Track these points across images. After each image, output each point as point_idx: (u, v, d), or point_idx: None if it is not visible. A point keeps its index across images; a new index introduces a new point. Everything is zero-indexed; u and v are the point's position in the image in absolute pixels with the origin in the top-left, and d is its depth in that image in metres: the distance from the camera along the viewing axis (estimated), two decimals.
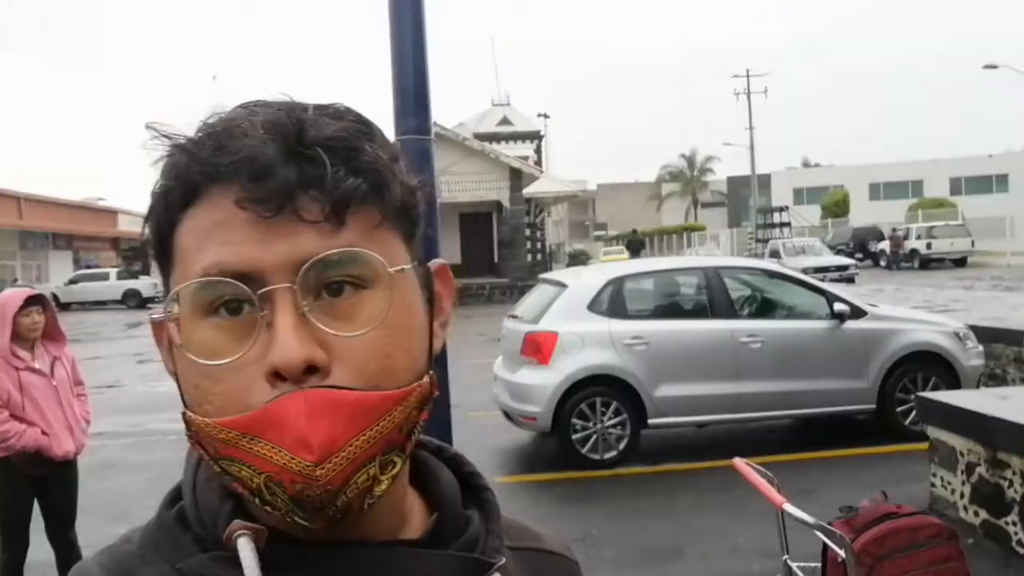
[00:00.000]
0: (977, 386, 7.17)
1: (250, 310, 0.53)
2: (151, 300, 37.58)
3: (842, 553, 2.34)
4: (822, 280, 24.40)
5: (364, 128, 0.57)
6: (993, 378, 8.63)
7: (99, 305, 35.43)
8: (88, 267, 41.70)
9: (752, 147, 47.14)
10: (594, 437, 6.67)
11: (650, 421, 6.77)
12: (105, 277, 37.58)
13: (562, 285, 7.20)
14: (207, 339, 0.53)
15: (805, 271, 25.51)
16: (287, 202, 0.52)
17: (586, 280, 7.29)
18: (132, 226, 52.31)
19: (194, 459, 0.62)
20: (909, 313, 8.05)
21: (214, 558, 0.56)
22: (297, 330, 0.51)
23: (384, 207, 0.56)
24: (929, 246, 29.02)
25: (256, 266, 0.52)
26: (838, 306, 7.04)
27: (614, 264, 9.84)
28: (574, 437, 6.64)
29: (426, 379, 0.57)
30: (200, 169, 0.54)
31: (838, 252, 30.03)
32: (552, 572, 0.70)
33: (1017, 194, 41.69)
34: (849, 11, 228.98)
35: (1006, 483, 4.60)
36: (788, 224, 41.02)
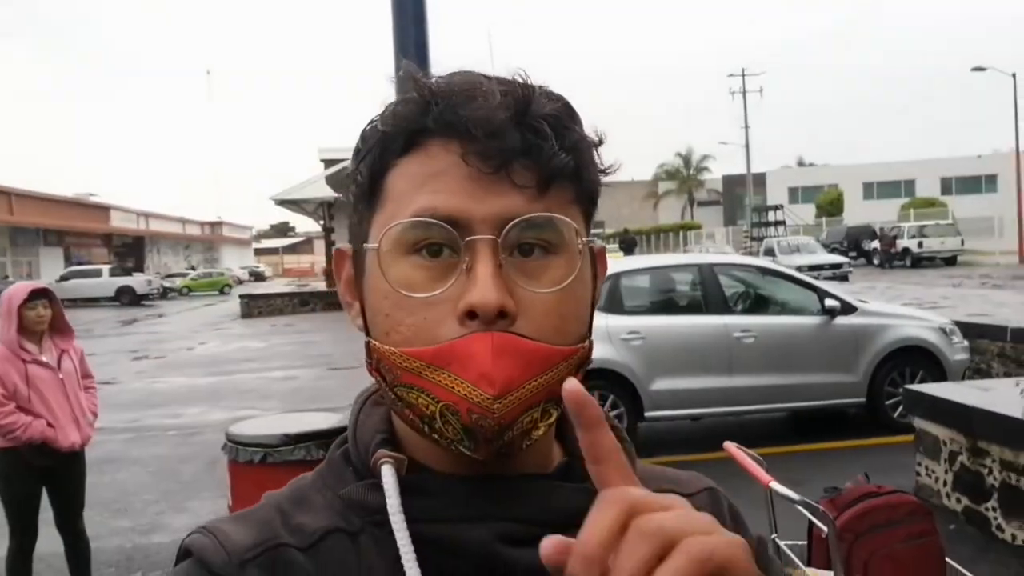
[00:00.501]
0: (962, 379, 7.37)
1: (450, 255, 0.59)
2: (145, 297, 37.47)
3: (825, 529, 2.52)
4: (816, 278, 24.46)
5: (573, 111, 0.63)
6: (978, 372, 8.85)
7: (91, 302, 35.03)
8: (79, 264, 41.41)
9: (747, 146, 47.32)
10: None
11: (646, 414, 6.95)
12: (98, 274, 37.24)
13: None
14: (407, 274, 0.59)
15: (800, 269, 25.60)
16: (506, 164, 0.58)
17: None
18: (124, 222, 51.91)
19: (359, 403, 0.70)
20: (898, 309, 8.24)
21: (367, 485, 0.63)
22: (495, 278, 0.57)
23: (579, 186, 0.62)
24: (920, 245, 29.24)
25: (466, 215, 0.58)
26: (829, 302, 7.23)
27: (611, 261, 10.02)
28: None
29: (587, 343, 0.63)
30: (436, 117, 0.59)
31: (832, 250, 30.25)
32: None
33: (1005, 194, 41.96)
34: (841, 13, 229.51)
35: (986, 471, 4.80)
36: (783, 223, 41.23)
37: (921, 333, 7.40)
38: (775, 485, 2.29)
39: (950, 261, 29.36)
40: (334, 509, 0.64)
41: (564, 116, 0.61)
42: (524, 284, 0.58)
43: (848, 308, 7.28)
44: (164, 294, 41.20)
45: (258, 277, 65.70)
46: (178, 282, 47.07)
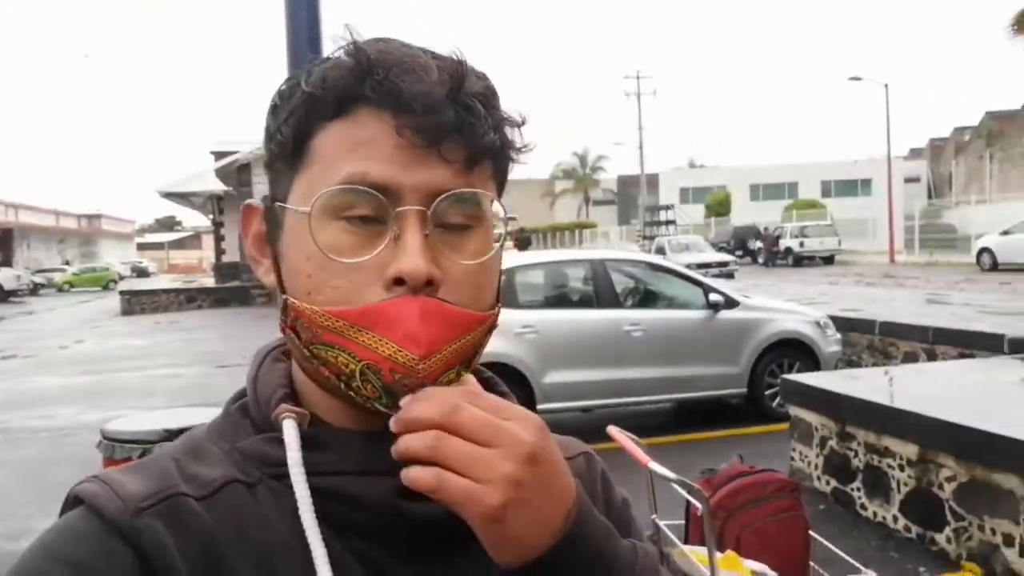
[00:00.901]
0: (835, 370, 7.80)
1: (378, 222, 0.60)
2: (13, 293, 35.07)
3: (700, 507, 2.63)
4: (704, 275, 25.12)
5: (495, 90, 0.65)
6: (850, 364, 9.40)
7: None
8: None
9: (641, 147, 48.57)
10: None
11: (538, 406, 7.03)
12: None
13: None
14: (335, 238, 0.60)
15: (688, 267, 26.38)
16: (439, 139, 0.60)
17: None
18: None
19: (258, 358, 0.72)
20: (777, 304, 8.63)
21: (267, 439, 0.64)
22: (423, 248, 0.59)
23: (499, 164, 0.66)
24: (801, 244, 30.78)
25: (396, 185, 0.60)
26: (713, 296, 7.51)
27: (506, 255, 10.12)
28: None
29: (497, 309, 0.67)
30: (375, 86, 0.60)
31: (720, 249, 31.43)
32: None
33: (879, 197, 44.73)
34: (732, 24, 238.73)
35: (852, 454, 5.11)
36: (673, 222, 42.52)
37: (798, 326, 7.79)
38: (653, 465, 2.37)
39: (828, 260, 31.00)
40: (231, 461, 0.64)
41: (490, 95, 0.64)
42: (448, 255, 0.61)
43: (731, 303, 7.59)
44: (35, 290, 38.78)
45: (141, 273, 62.81)
46: (57, 277, 44.45)
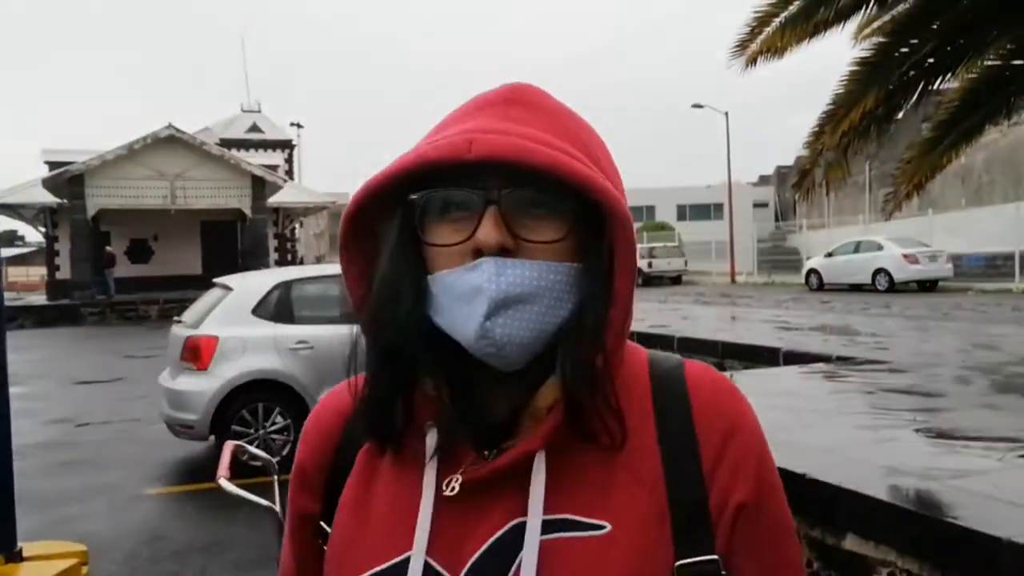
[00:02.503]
0: None
1: None
2: None
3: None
4: None
5: None
6: None
7: None
8: None
9: None
10: (256, 443, 6.55)
11: None
12: None
13: (228, 289, 7.04)
14: None
15: None
16: None
17: (252, 284, 7.18)
18: None
19: None
20: None
21: None
22: None
23: None
24: (650, 265, 31.95)
25: None
26: None
27: (283, 269, 9.79)
28: None
29: None
30: None
31: None
32: None
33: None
34: (584, 49, 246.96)
35: None
36: None
37: None
38: (222, 482, 2.21)
39: (676, 280, 32.31)
40: None
41: None
42: None
43: None
44: None
45: None
46: None
